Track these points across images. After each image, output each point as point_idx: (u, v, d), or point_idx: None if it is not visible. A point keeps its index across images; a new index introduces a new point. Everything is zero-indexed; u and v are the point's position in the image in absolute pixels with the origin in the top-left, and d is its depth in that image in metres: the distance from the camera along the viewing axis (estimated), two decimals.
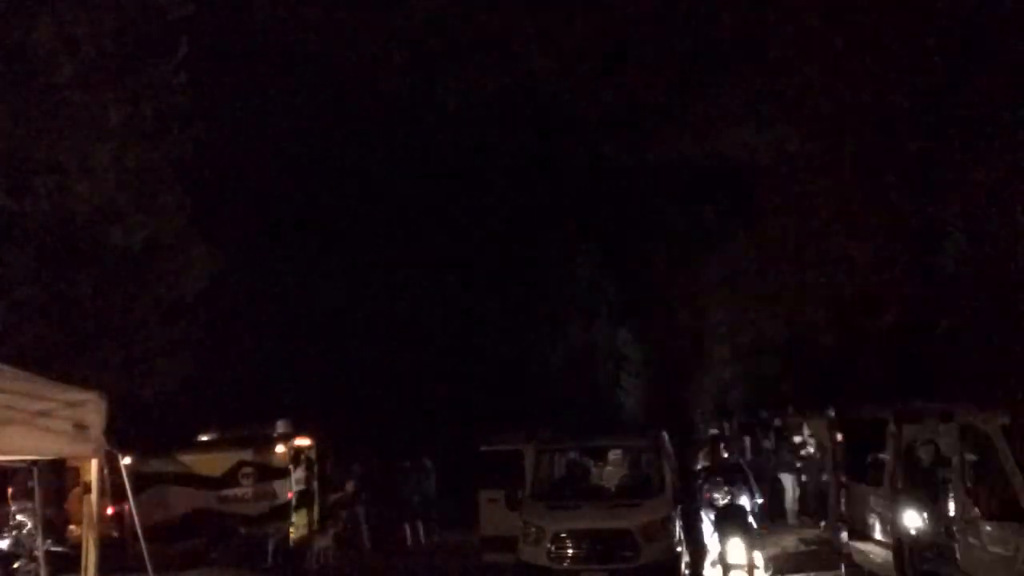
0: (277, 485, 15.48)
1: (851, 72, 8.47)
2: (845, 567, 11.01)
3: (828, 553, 12.07)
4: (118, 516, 15.04)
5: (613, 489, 12.71)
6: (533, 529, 10.96)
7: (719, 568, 10.87)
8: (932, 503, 8.74)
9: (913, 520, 8.81)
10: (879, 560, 9.95)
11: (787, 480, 16.27)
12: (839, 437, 11.99)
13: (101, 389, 5.16)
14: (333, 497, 17.35)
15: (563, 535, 10.76)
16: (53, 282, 13.03)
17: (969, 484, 8.13)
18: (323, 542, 15.99)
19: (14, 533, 11.99)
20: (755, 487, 11.81)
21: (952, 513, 8.44)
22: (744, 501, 10.98)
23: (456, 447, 20.46)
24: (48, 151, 12.30)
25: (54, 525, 12.50)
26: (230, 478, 15.49)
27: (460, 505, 16.95)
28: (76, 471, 11.25)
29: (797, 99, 9.08)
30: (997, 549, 7.53)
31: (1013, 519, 7.25)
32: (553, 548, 10.71)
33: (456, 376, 27.79)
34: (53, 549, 11.11)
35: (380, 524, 17.91)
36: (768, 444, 17.48)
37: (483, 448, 14.41)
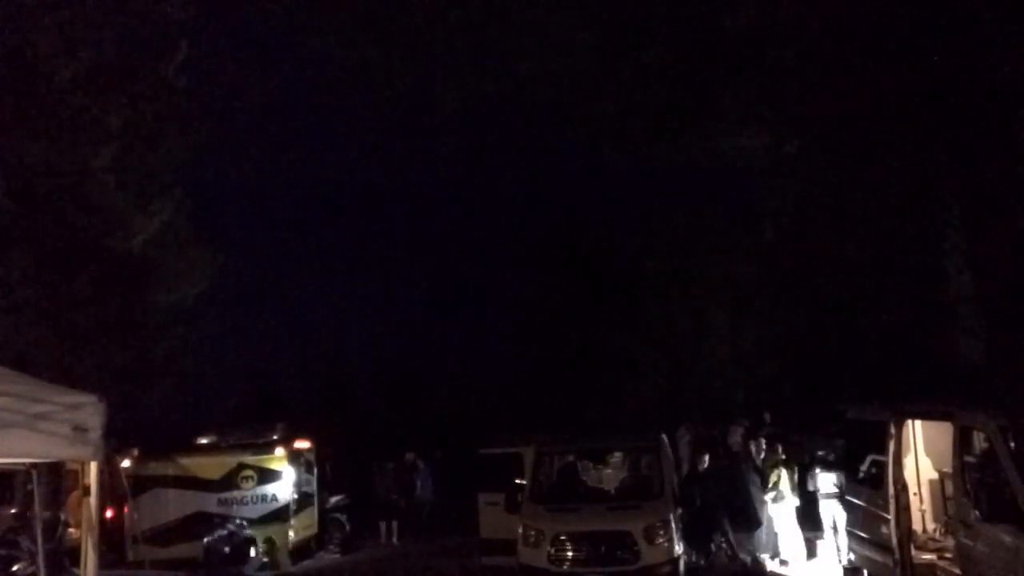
0: (277, 488, 15.50)
1: (851, 74, 8.48)
2: (845, 569, 11.00)
3: None
4: (117, 519, 15.06)
5: (613, 491, 12.70)
6: (533, 532, 10.94)
7: None
8: None
9: None
10: (879, 562, 9.93)
11: None
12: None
13: (100, 392, 5.15)
14: (332, 500, 17.35)
15: (563, 537, 10.74)
16: (53, 285, 13.04)
17: (968, 486, 8.13)
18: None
19: (12, 535, 12.01)
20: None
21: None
22: None
23: (456, 450, 20.50)
24: (48, 153, 12.31)
25: (53, 527, 12.51)
26: (230, 481, 15.50)
27: (460, 508, 16.92)
28: (75, 474, 11.27)
29: (797, 101, 9.08)
30: (996, 551, 7.52)
31: (1012, 521, 7.24)
32: (553, 550, 10.69)
33: (456, 379, 27.84)
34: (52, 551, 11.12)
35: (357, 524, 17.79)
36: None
37: (482, 451, 14.40)
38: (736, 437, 18.17)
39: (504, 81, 8.50)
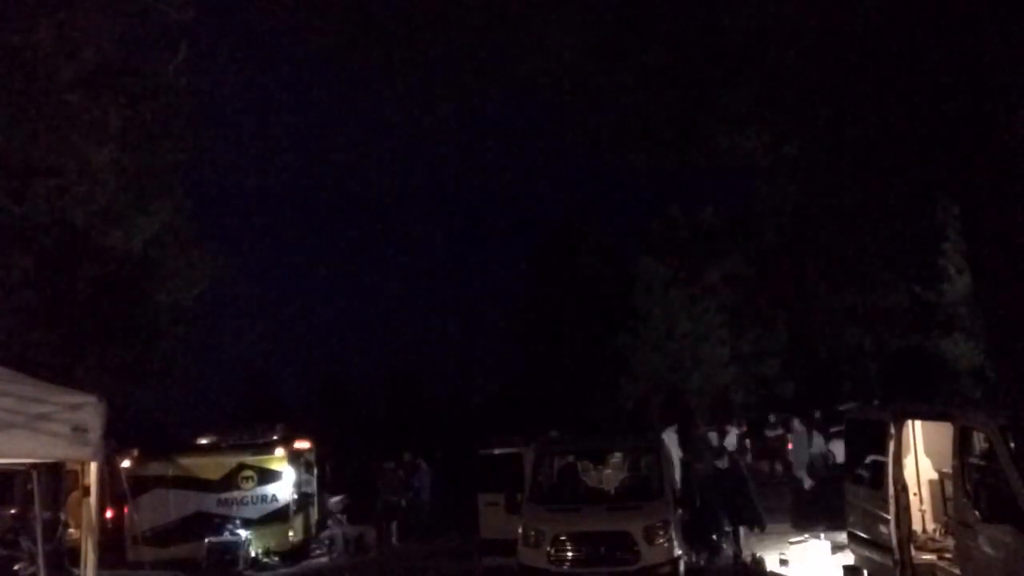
0: (277, 488, 15.50)
1: (851, 74, 8.49)
2: (845, 569, 10.99)
3: None
4: (117, 519, 15.06)
5: (613, 492, 12.69)
6: (533, 532, 10.94)
7: None
8: None
9: None
10: (879, 562, 9.93)
11: None
12: None
13: (100, 392, 5.16)
14: (332, 500, 17.34)
15: (563, 538, 10.73)
16: (53, 285, 13.04)
17: (968, 486, 8.13)
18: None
19: (12, 535, 12.01)
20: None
21: None
22: None
23: (456, 450, 20.51)
24: (48, 154, 12.30)
25: (53, 528, 12.50)
26: (230, 481, 15.51)
27: (460, 508, 16.91)
28: (75, 474, 11.28)
29: (797, 101, 9.09)
30: (996, 551, 7.52)
31: (1012, 521, 7.24)
32: (553, 551, 10.69)
33: (456, 379, 27.88)
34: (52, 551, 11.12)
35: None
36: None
37: (482, 451, 14.40)
38: (732, 438, 18.23)
39: (504, 82, 8.51)
